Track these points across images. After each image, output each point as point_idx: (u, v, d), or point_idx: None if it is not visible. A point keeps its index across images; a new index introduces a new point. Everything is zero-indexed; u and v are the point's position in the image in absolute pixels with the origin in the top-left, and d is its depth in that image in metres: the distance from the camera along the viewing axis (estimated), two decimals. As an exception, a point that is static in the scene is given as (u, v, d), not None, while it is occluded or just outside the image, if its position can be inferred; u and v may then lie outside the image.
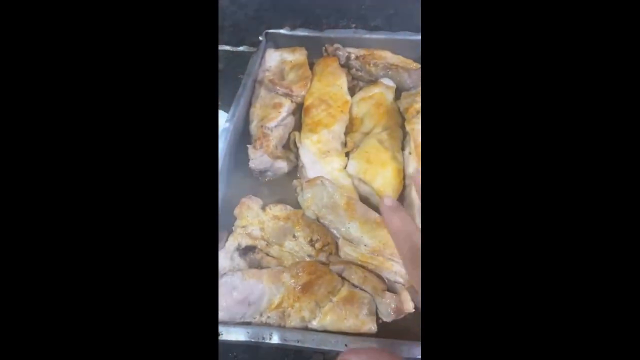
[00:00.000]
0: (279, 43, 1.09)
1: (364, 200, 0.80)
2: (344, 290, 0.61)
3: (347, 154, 0.87)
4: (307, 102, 0.94)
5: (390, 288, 0.64)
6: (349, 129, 0.93)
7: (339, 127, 0.90)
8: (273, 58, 1.05)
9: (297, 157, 0.88)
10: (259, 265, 0.69)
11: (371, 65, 1.03)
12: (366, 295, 0.61)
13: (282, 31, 1.09)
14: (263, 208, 0.74)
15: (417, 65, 1.03)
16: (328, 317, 0.59)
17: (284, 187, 0.85)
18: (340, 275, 0.64)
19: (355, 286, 0.63)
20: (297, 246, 0.69)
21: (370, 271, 0.65)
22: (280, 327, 0.59)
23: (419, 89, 0.95)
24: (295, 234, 0.70)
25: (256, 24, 1.22)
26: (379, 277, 0.65)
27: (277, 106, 0.93)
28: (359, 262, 0.66)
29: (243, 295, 0.61)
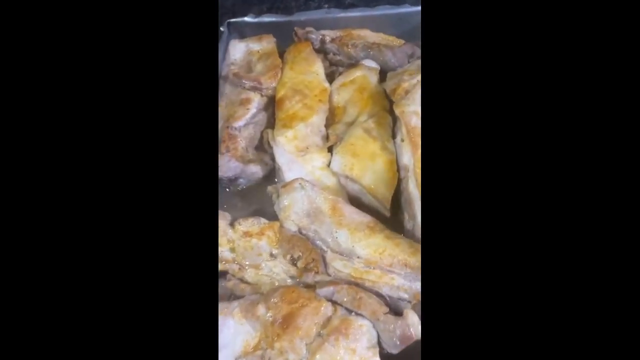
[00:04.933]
0: (244, 32, 0.98)
1: (354, 201, 0.69)
2: (336, 319, 0.50)
3: (329, 149, 0.75)
4: (279, 94, 0.82)
5: (393, 308, 0.53)
6: (330, 120, 0.82)
7: (317, 119, 0.79)
8: (238, 50, 0.94)
9: (273, 158, 0.77)
10: (231, 295, 0.57)
11: (349, 46, 0.92)
12: (364, 322, 0.50)
13: (246, 19, 0.99)
14: (232, 224, 0.61)
15: (401, 42, 0.93)
16: (317, 357, 0.46)
17: (260, 196, 0.74)
18: (329, 299, 0.52)
19: (349, 311, 0.51)
20: (277, 267, 0.58)
21: (367, 290, 0.54)
22: (259, 376, 0.47)
23: (406, 66, 0.85)
24: (273, 252, 0.59)
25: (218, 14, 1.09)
26: (379, 295, 0.54)
27: (245, 102, 0.82)
28: (352, 280, 0.55)
29: (210, 338, 0.49)
